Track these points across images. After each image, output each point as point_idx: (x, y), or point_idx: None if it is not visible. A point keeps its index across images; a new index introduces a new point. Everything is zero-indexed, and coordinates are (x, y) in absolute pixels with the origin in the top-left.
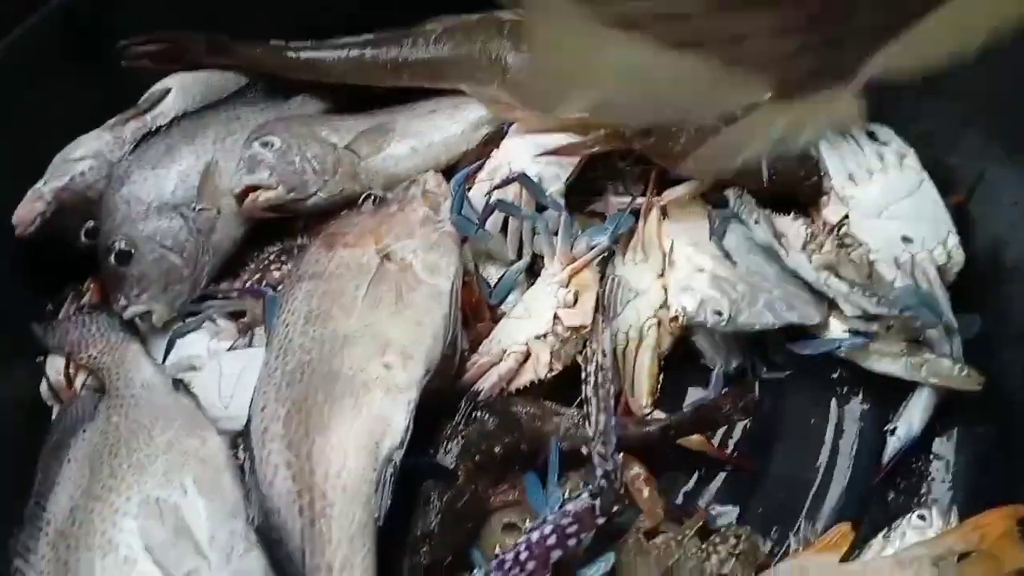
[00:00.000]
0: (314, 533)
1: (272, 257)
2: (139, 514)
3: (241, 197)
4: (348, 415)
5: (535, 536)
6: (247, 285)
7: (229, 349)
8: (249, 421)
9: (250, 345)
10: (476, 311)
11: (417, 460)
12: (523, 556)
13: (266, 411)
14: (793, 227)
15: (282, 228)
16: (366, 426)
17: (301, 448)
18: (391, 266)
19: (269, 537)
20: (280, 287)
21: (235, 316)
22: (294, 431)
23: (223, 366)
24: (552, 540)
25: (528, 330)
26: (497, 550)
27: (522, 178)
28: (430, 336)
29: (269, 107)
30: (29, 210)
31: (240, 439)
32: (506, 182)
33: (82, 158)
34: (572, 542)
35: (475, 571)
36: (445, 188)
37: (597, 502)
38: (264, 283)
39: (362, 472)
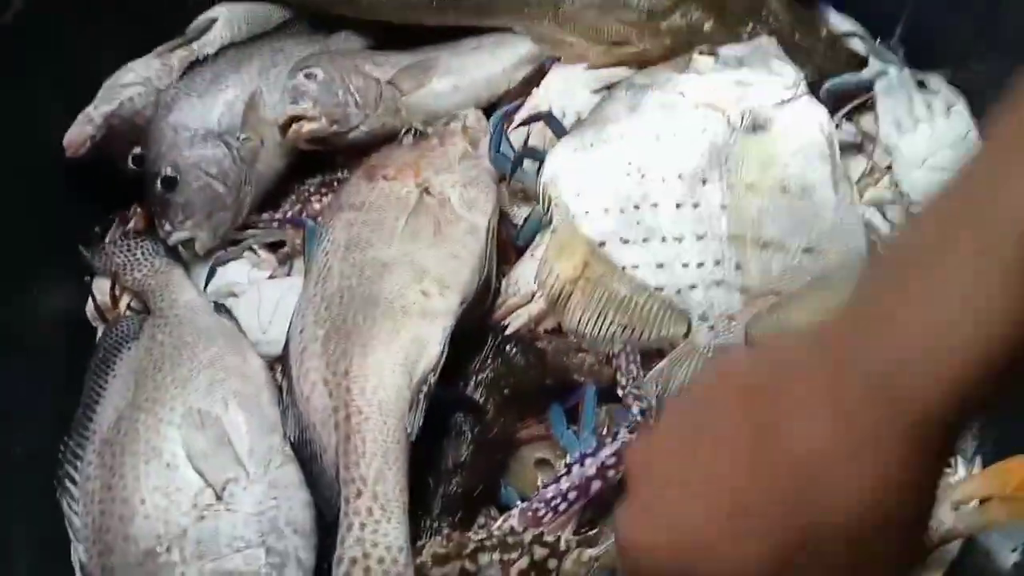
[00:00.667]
0: (349, 447)
1: (312, 189)
2: (182, 424)
3: (284, 127)
4: (385, 337)
5: (576, 471)
6: (287, 215)
7: (269, 278)
8: (288, 343)
9: (289, 274)
10: (501, 252)
11: (447, 393)
12: (564, 486)
13: (305, 333)
14: (853, 160)
15: (323, 160)
16: (403, 347)
17: (339, 366)
18: (430, 199)
19: (304, 453)
20: (320, 218)
21: (274, 246)
22: (332, 351)
23: (263, 293)
24: (592, 472)
25: None
26: (539, 482)
27: (547, 117)
28: (467, 268)
29: (313, 41)
30: (80, 133)
31: (277, 363)
32: (532, 119)
33: (131, 84)
34: (611, 474)
35: (517, 503)
36: (485, 125)
37: (635, 436)
38: (304, 214)
39: (397, 390)
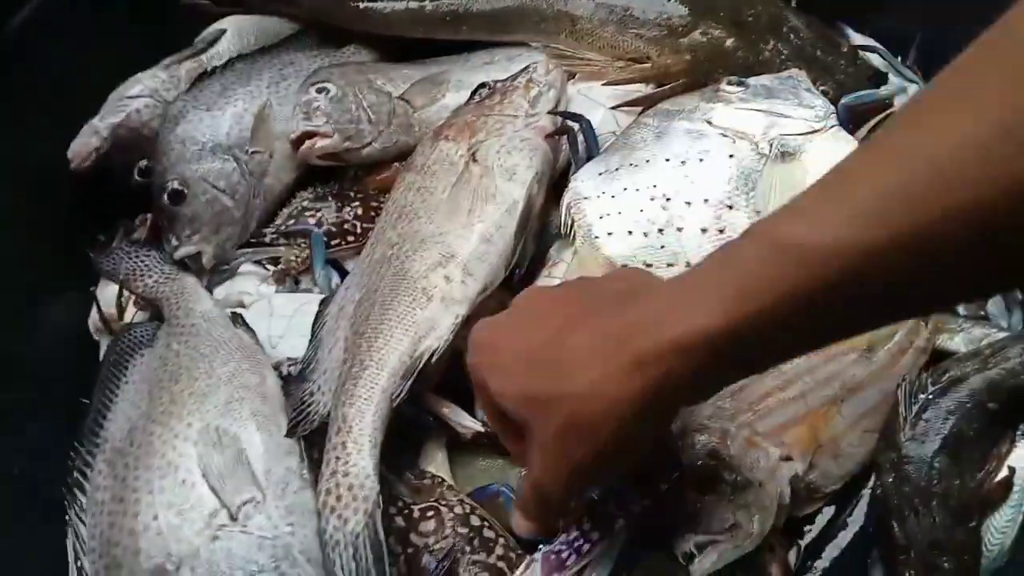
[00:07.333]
0: (343, 390)
1: (307, 203)
2: (199, 440)
3: (297, 143)
4: (403, 310)
5: (598, 507)
6: (287, 228)
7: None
8: (332, 298)
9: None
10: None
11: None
12: (587, 526)
13: (348, 292)
14: None
15: (331, 173)
16: (414, 323)
17: (360, 328)
18: (475, 169)
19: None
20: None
21: (275, 263)
22: (360, 313)
23: (274, 306)
24: (614, 508)
25: None
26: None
27: (585, 124)
28: (495, 254)
29: (322, 54)
30: (85, 145)
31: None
32: (561, 130)
33: (138, 96)
34: (635, 507)
35: (540, 547)
36: (553, 76)
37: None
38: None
39: (399, 354)
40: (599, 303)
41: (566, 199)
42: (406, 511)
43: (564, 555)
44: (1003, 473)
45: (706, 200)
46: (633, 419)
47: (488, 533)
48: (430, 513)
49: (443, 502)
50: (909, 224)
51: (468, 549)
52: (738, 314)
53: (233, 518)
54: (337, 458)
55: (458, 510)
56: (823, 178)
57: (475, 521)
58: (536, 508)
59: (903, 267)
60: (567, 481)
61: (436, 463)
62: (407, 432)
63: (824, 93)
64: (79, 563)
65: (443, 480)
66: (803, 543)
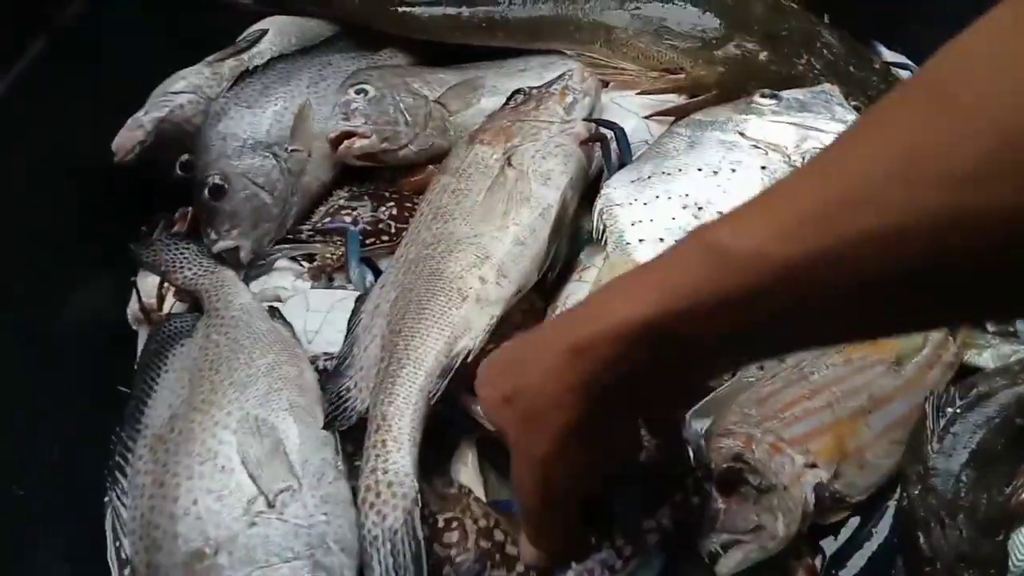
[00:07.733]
0: (382, 388)
1: (343, 201)
2: (239, 429)
3: (335, 143)
4: (438, 309)
5: (627, 522)
6: (323, 226)
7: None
8: (367, 295)
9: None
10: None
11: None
12: (620, 542)
13: (383, 291)
14: None
15: (367, 173)
16: (450, 323)
17: (396, 326)
18: (510, 173)
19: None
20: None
21: (310, 259)
22: (396, 312)
23: (310, 301)
24: (644, 523)
25: None
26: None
27: (619, 131)
28: (529, 257)
29: (360, 56)
30: (129, 138)
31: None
32: (595, 137)
33: (182, 91)
34: (666, 521)
35: (572, 564)
36: (588, 84)
37: (689, 482)
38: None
39: (435, 353)
40: (573, 307)
41: (598, 205)
42: (431, 520)
43: (596, 574)
44: None
45: None
46: (579, 408)
47: (511, 549)
48: (454, 524)
49: (468, 514)
50: (819, 243)
51: (490, 564)
52: (668, 308)
53: (270, 505)
54: (377, 455)
55: (482, 523)
56: (766, 188)
57: (499, 536)
58: (528, 522)
59: (814, 286)
60: (540, 480)
61: (466, 463)
62: (440, 430)
63: (856, 108)
64: (118, 544)
65: (470, 491)
66: (828, 552)
